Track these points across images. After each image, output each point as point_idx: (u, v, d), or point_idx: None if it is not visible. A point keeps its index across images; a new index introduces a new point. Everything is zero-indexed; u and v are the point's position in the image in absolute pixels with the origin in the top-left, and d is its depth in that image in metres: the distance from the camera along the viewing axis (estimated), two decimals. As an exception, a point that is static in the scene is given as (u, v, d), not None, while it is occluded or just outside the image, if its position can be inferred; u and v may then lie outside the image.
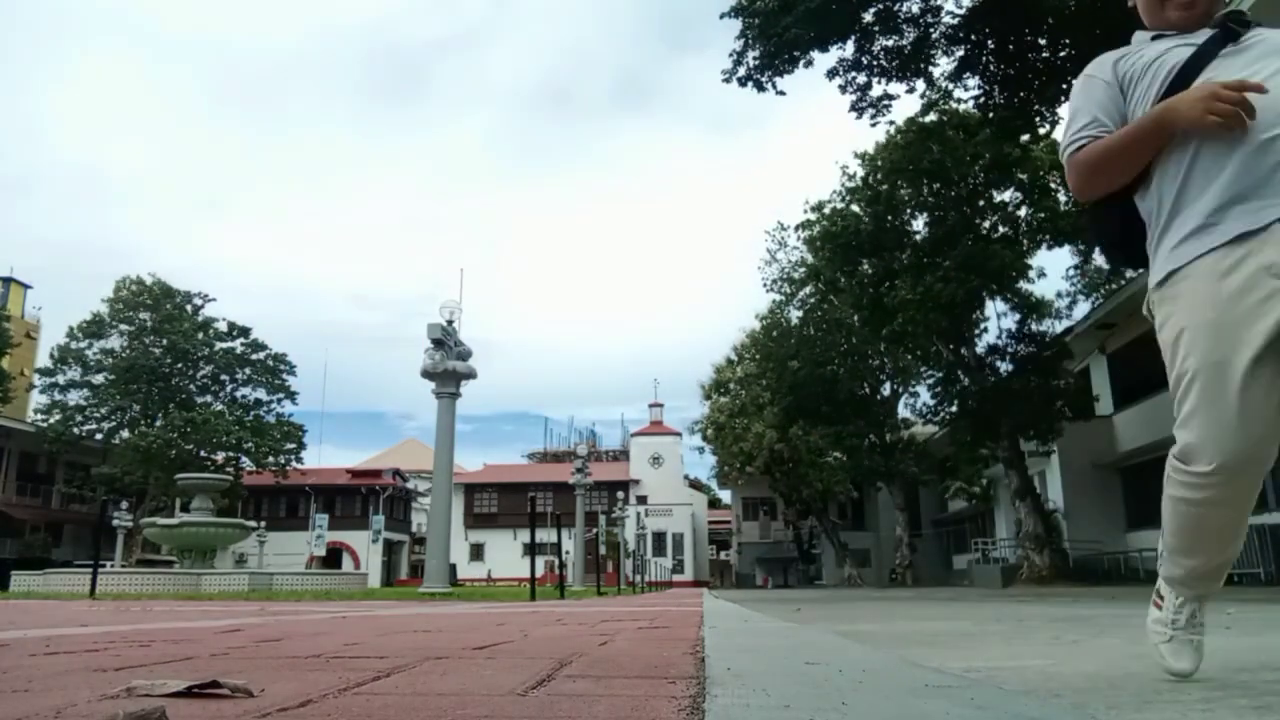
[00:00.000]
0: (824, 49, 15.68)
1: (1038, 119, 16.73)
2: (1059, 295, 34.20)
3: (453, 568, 24.12)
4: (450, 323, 12.81)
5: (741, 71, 15.38)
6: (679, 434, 52.04)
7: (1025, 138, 17.87)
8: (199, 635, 2.23)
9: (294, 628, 2.61)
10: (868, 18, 15.59)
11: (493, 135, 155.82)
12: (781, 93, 15.68)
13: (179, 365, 35.57)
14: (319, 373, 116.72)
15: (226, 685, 1.05)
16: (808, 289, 28.15)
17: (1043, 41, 15.50)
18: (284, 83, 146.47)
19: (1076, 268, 32.91)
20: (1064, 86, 15.70)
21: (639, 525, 36.46)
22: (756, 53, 15.17)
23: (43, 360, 36.78)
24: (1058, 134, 20.34)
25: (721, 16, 15.21)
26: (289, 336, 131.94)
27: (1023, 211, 21.96)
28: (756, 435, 35.66)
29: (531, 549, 11.11)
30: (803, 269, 27.74)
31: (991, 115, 16.64)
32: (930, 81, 17.00)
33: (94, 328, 34.93)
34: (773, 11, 14.35)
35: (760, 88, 15.56)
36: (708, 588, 34.55)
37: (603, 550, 27.73)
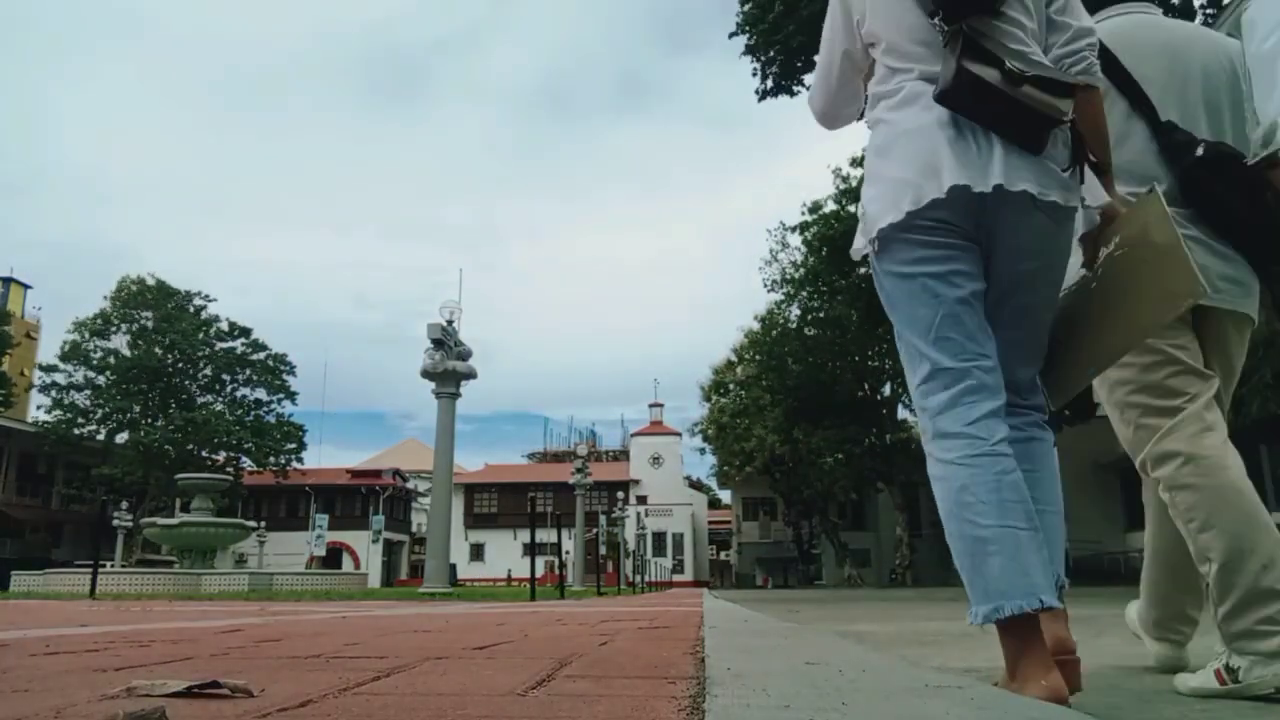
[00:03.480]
0: None
1: None
2: None
3: (453, 568, 24.10)
4: (450, 323, 12.80)
5: (770, 85, 15.86)
6: (679, 434, 52.03)
7: None
8: (199, 635, 2.23)
9: (294, 628, 2.60)
10: None
11: (492, 135, 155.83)
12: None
13: (180, 365, 35.59)
14: (319, 373, 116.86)
15: (226, 685, 1.05)
16: (806, 290, 28.17)
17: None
18: (284, 83, 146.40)
19: None
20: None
21: (639, 525, 36.44)
22: (775, 67, 15.54)
23: (43, 360, 36.82)
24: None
25: (731, 36, 15.56)
26: (289, 336, 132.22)
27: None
28: (759, 437, 35.66)
29: (531, 549, 11.10)
30: (802, 269, 27.74)
31: None
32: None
33: (99, 324, 34.96)
34: (778, 20, 14.58)
35: (792, 94, 15.96)
36: (708, 588, 34.55)
37: (603, 550, 27.71)
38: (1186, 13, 14.05)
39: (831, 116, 1.86)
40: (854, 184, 22.77)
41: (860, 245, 1.65)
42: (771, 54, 15.41)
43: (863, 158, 21.96)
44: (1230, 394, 1.96)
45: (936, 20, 1.54)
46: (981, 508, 1.42)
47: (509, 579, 41.25)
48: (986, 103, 1.46)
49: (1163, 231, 1.55)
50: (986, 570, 1.40)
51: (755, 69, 15.83)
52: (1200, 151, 1.82)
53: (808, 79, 15.94)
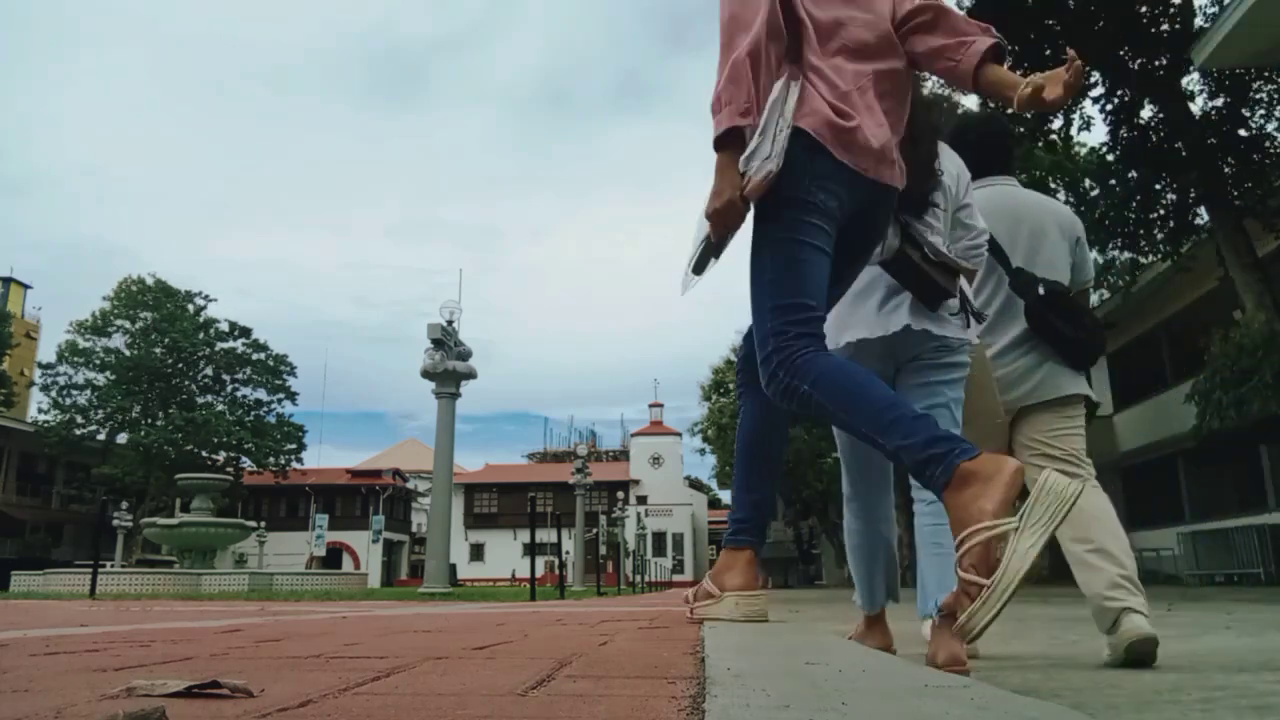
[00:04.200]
0: None
1: (1054, 119, 16.70)
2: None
3: (453, 568, 24.10)
4: (450, 323, 12.81)
5: None
6: (679, 434, 52.04)
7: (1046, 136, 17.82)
8: (199, 635, 2.23)
9: (294, 628, 2.60)
10: None
11: (493, 134, 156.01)
12: None
13: (180, 365, 35.60)
14: (319, 373, 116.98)
15: (226, 685, 1.05)
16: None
17: (1045, 44, 15.50)
18: (285, 83, 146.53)
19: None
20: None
21: (639, 525, 36.43)
22: None
23: (43, 360, 36.82)
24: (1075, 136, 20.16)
25: None
26: (289, 336, 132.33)
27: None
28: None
29: (531, 549, 11.11)
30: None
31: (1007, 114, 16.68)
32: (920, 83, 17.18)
33: (99, 322, 34.96)
34: None
35: None
36: (708, 588, 34.47)
37: (603, 550, 27.69)
38: (1187, 12, 14.03)
39: None
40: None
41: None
42: None
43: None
44: (1058, 442, 2.72)
45: None
46: (860, 551, 2.52)
47: (514, 578, 41.24)
48: (908, 272, 2.23)
49: (985, 375, 2.49)
50: (862, 584, 2.54)
51: None
52: (1041, 290, 2.62)
53: None
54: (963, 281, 2.37)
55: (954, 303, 2.32)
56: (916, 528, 2.34)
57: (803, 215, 1.80)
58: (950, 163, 2.41)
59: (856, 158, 1.83)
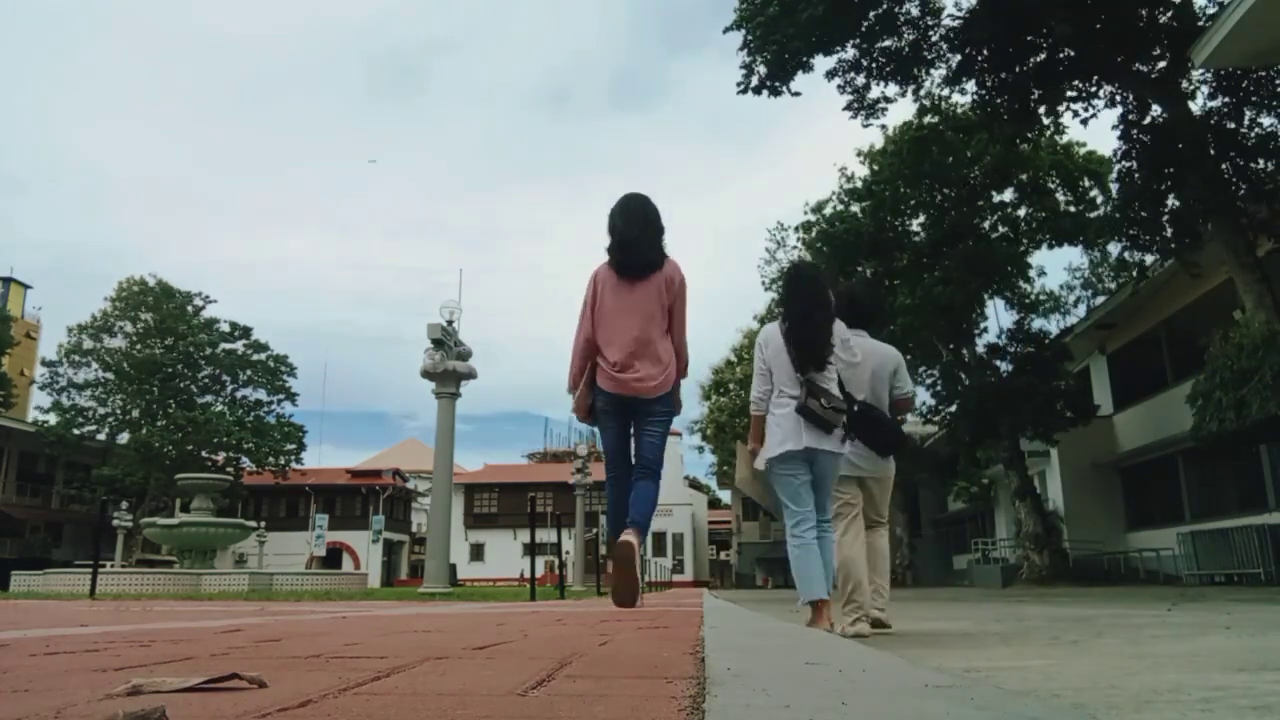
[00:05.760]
0: (826, 53, 15.84)
1: (1046, 116, 16.69)
2: (1064, 288, 34.28)
3: (453, 568, 24.10)
4: (450, 323, 12.79)
5: (754, 81, 15.73)
6: (679, 433, 51.96)
7: (1029, 135, 17.87)
8: (199, 635, 2.23)
9: (294, 628, 2.60)
10: (868, 20, 15.66)
11: (492, 134, 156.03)
12: (797, 94, 15.94)
13: (180, 366, 35.56)
14: (319, 373, 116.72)
15: (245, 677, 1.06)
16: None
17: (1042, 45, 15.49)
18: (285, 82, 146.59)
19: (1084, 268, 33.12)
20: (1063, 87, 15.72)
21: (639, 525, 36.29)
22: (763, 65, 15.49)
23: (43, 359, 36.80)
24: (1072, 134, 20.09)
25: (725, 31, 15.48)
26: (289, 336, 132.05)
27: (1022, 211, 21.94)
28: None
29: (531, 549, 11.10)
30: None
31: (990, 114, 16.66)
32: (918, 88, 17.21)
33: (101, 322, 34.93)
34: (774, 19, 14.51)
35: (775, 93, 15.87)
36: (708, 588, 34.51)
37: (602, 550, 27.68)
38: (1187, 13, 14.01)
39: (765, 407, 3.95)
40: (859, 183, 22.69)
41: (761, 462, 3.92)
42: (765, 54, 15.36)
43: (871, 149, 21.45)
44: (885, 505, 4.45)
45: (797, 373, 3.78)
46: (804, 560, 3.74)
47: (521, 578, 41.13)
48: (812, 416, 3.69)
49: (747, 462, 4.94)
50: (803, 582, 3.73)
51: (744, 64, 15.77)
52: (856, 408, 4.02)
53: (795, 84, 16.03)
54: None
55: (839, 431, 3.78)
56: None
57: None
58: (840, 330, 3.88)
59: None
